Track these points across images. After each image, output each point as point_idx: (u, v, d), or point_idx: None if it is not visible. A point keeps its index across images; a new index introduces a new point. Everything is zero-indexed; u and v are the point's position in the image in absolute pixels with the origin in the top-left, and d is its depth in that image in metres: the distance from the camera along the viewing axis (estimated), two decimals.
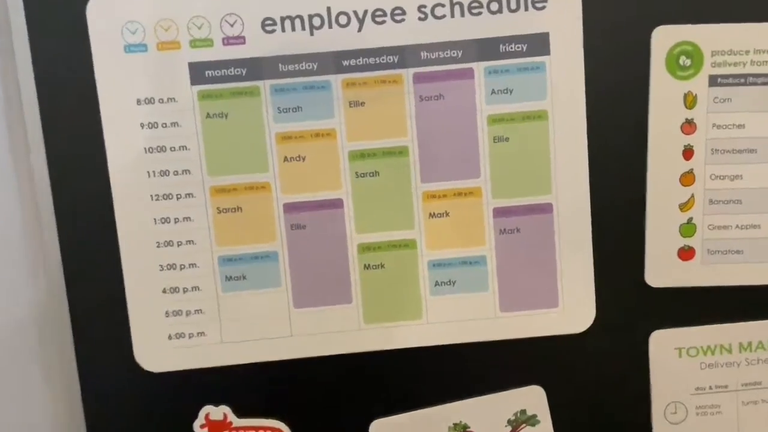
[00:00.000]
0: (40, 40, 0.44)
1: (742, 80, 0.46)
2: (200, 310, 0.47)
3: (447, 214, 0.48)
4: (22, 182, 0.47)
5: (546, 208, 0.48)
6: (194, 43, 0.45)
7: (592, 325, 0.48)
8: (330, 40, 0.45)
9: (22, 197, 0.48)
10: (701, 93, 0.47)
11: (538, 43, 0.46)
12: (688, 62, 0.46)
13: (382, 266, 0.48)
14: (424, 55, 0.46)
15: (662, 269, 0.48)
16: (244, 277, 0.47)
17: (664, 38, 0.46)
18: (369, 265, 0.48)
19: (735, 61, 0.46)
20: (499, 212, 0.48)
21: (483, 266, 0.48)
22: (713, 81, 0.46)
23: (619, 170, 0.47)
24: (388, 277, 0.48)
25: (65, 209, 0.46)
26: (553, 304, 0.48)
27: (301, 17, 0.45)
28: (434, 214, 0.47)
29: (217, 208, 0.47)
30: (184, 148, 0.46)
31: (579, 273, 0.48)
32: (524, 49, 0.46)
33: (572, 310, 0.48)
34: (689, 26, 0.46)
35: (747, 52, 0.46)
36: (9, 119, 0.47)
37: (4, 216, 0.48)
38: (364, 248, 0.48)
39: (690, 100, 0.47)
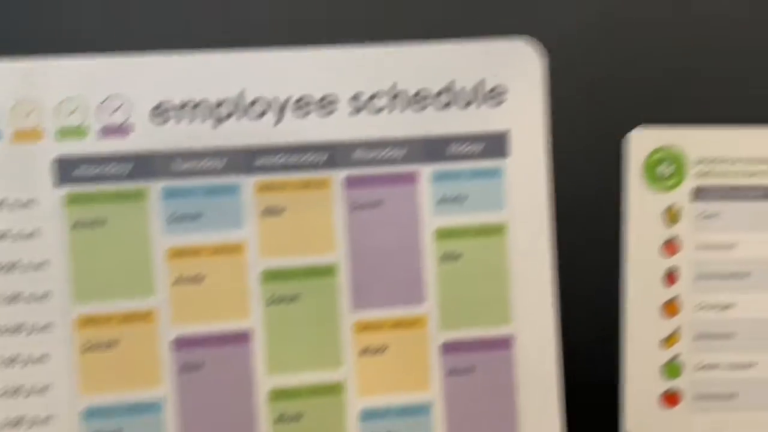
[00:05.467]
0: None
1: (731, 193, 0.40)
2: None
3: (384, 350, 0.38)
4: None
5: (505, 343, 0.39)
6: (63, 132, 0.35)
7: None
8: (241, 133, 0.36)
9: None
10: (685, 207, 0.39)
11: (496, 144, 0.38)
12: (669, 171, 0.39)
13: (300, 417, 0.37)
14: (358, 154, 0.37)
15: (643, 418, 0.40)
16: None
17: (641, 142, 0.39)
18: (283, 416, 0.37)
19: (723, 171, 0.39)
20: (449, 348, 0.38)
21: (426, 416, 0.38)
22: (698, 193, 0.39)
23: (590, 297, 0.39)
24: None
25: None
26: None
27: (207, 102, 0.36)
28: (368, 349, 0.38)
29: (84, 344, 0.36)
30: (44, 265, 0.35)
31: (545, 423, 0.39)
32: (479, 150, 0.38)
33: None
34: (671, 129, 0.39)
35: (736, 160, 0.39)
36: None
37: None
38: (278, 395, 0.37)
39: (672, 216, 0.39)
